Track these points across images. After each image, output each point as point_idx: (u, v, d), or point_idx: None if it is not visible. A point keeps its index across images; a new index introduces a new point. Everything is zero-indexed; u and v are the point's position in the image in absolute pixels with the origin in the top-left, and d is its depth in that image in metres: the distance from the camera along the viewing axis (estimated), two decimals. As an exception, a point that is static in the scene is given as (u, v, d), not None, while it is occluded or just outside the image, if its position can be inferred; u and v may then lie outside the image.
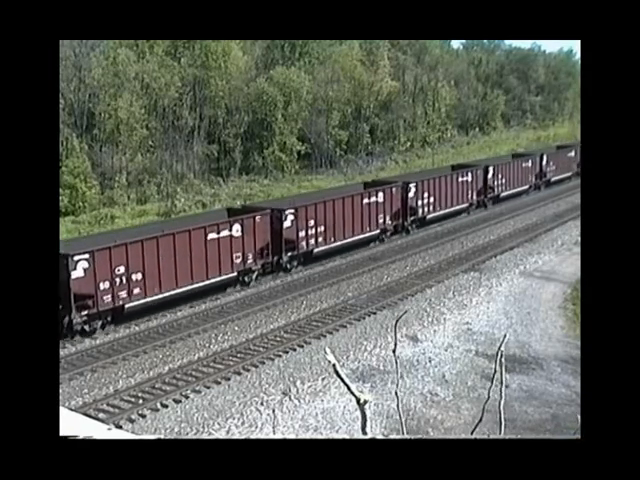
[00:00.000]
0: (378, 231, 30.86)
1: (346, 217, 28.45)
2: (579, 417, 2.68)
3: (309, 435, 14.55)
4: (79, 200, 36.88)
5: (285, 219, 25.54)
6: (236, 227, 23.52)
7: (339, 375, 3.06)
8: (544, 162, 46.40)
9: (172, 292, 21.77)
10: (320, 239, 27.37)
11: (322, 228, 27.25)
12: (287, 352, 19.06)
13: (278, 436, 13.63)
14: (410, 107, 61.81)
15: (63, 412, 2.87)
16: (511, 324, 21.55)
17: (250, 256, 24.16)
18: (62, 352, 18.45)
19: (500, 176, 40.51)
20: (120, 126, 41.42)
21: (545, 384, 17.53)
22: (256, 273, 24.89)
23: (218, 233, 22.84)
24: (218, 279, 23.18)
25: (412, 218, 33.19)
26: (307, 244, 26.80)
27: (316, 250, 27.36)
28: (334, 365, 3.03)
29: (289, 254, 26.11)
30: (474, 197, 38.31)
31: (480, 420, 3.20)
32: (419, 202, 33.48)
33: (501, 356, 3.23)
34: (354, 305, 23.02)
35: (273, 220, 25.20)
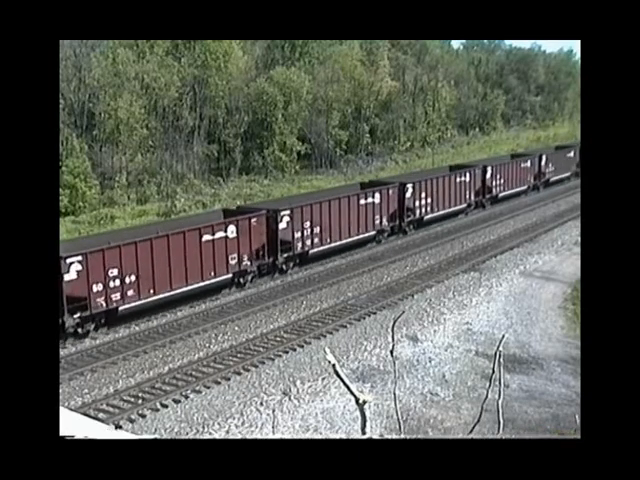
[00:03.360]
0: (230, 275, 23.48)
1: (190, 257, 21.76)
2: (577, 417, 2.68)
3: (309, 435, 14.56)
4: (79, 200, 36.88)
5: (68, 271, 17.76)
6: None
7: (339, 375, 3.06)
8: (488, 175, 39.01)
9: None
10: (143, 289, 20.54)
11: (132, 277, 20.24)
12: (287, 352, 19.05)
13: (278, 436, 13.65)
14: (410, 107, 61.79)
15: (63, 412, 2.87)
16: (511, 324, 21.54)
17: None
18: (62, 352, 18.44)
19: (424, 195, 33.11)
20: (120, 126, 41.41)
21: (545, 384, 17.52)
22: None
23: None
24: None
25: (286, 255, 25.66)
26: (107, 301, 19.73)
27: (123, 308, 20.31)
28: (334, 365, 3.03)
29: (78, 315, 19.08)
30: (384, 222, 30.77)
31: (478, 420, 3.20)
32: (296, 234, 25.75)
33: (499, 357, 3.24)
34: (354, 305, 23.00)
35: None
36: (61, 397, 15.33)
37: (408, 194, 32.00)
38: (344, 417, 15.47)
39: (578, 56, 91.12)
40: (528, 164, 43.57)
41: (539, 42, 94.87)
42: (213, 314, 22.29)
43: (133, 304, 20.38)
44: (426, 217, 33.65)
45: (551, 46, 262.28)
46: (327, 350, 3.23)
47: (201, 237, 22.02)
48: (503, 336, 3.47)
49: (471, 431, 3.36)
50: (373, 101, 56.51)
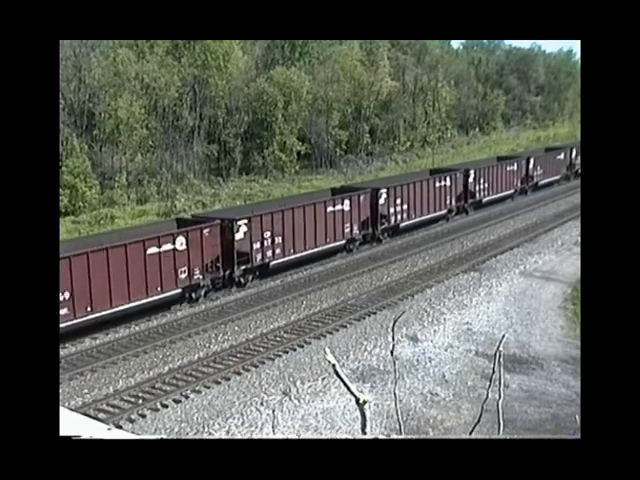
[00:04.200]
0: (179, 290, 22.06)
1: (133, 271, 20.36)
2: (577, 417, 2.68)
3: (309, 435, 14.55)
4: (79, 200, 36.89)
5: None
6: None
7: (339, 375, 3.06)
8: (471, 179, 36.76)
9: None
10: (79, 307, 19.08)
11: (66, 295, 18.67)
12: (287, 352, 19.06)
13: (278, 436, 13.64)
14: (410, 107, 61.80)
15: (63, 412, 2.87)
16: (511, 324, 21.54)
17: None
18: (62, 352, 18.44)
19: (399, 201, 31.38)
20: (120, 126, 41.43)
21: (545, 384, 17.53)
22: None
23: None
24: None
25: (243, 267, 24.07)
26: None
27: None
28: (334, 365, 3.04)
29: None
30: (354, 231, 29.01)
31: (479, 420, 3.20)
32: (255, 245, 24.34)
33: (500, 356, 3.24)
34: (354, 305, 23.01)
35: None
36: (61, 397, 15.32)
37: (382, 200, 30.40)
38: (344, 417, 15.48)
39: (578, 56, 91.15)
40: (514, 167, 41.74)
41: (539, 42, 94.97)
42: (213, 314, 22.29)
43: (67, 324, 18.47)
44: (402, 224, 32.09)
45: (551, 46, 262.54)
46: (327, 350, 3.23)
47: (145, 250, 20.52)
48: (503, 336, 3.47)
49: (471, 432, 3.36)
50: (373, 101, 56.52)
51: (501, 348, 3.25)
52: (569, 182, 47.48)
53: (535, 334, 20.82)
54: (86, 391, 16.74)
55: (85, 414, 12.24)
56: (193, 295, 22.76)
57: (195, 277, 22.32)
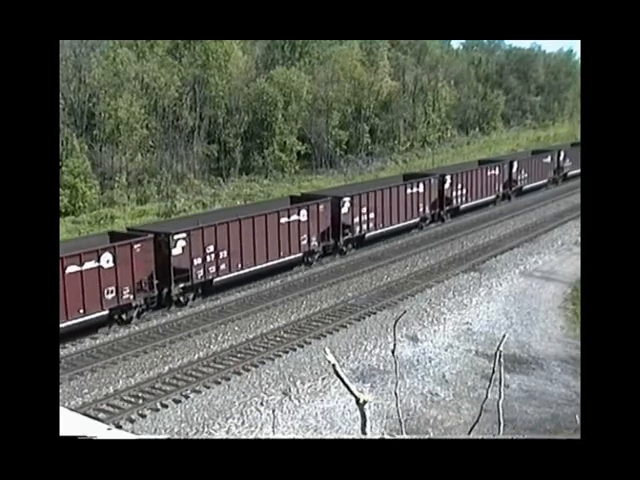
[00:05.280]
0: (106, 312, 20.21)
1: None
2: (577, 417, 2.68)
3: (309, 435, 14.55)
4: (79, 200, 36.90)
5: None
6: None
7: (339, 375, 3.07)
8: (447, 185, 35.04)
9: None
10: None
11: None
12: (287, 352, 19.06)
13: (278, 436, 13.63)
14: (410, 107, 61.79)
15: (63, 412, 2.87)
16: (511, 324, 21.54)
17: None
18: (62, 352, 18.45)
19: (365, 210, 29.46)
20: (120, 126, 41.43)
21: (545, 384, 17.53)
22: None
23: None
24: None
25: (182, 285, 22.25)
26: None
27: None
28: (334, 365, 3.04)
29: None
30: (313, 243, 27.03)
31: (477, 420, 3.20)
32: (196, 261, 22.45)
33: (500, 356, 3.24)
34: (354, 305, 23.01)
35: None
36: (61, 397, 15.33)
37: (344, 209, 28.27)
38: (344, 417, 15.48)
39: (578, 56, 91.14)
40: (496, 171, 39.46)
41: (539, 42, 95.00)
42: (213, 314, 22.29)
43: None
44: (368, 234, 29.94)
45: (551, 46, 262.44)
46: (327, 350, 3.23)
47: (64, 269, 18.56)
48: (504, 336, 3.47)
49: (470, 432, 3.36)
50: (373, 101, 56.51)
51: (501, 348, 3.25)
52: (557, 186, 46.95)
53: (535, 334, 20.82)
54: (86, 391, 16.75)
55: (85, 414, 12.25)
56: (124, 316, 20.93)
57: (124, 297, 20.45)
